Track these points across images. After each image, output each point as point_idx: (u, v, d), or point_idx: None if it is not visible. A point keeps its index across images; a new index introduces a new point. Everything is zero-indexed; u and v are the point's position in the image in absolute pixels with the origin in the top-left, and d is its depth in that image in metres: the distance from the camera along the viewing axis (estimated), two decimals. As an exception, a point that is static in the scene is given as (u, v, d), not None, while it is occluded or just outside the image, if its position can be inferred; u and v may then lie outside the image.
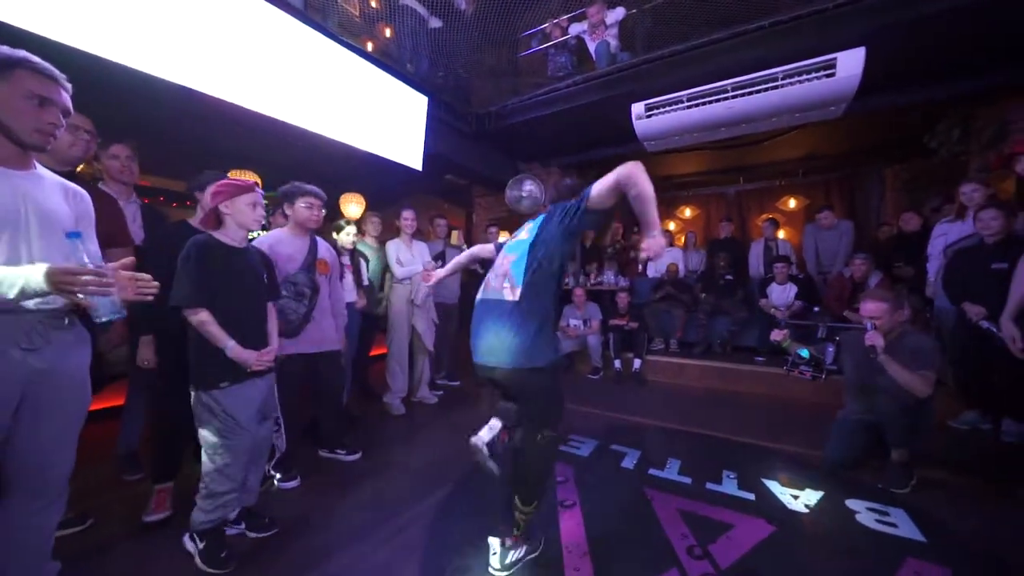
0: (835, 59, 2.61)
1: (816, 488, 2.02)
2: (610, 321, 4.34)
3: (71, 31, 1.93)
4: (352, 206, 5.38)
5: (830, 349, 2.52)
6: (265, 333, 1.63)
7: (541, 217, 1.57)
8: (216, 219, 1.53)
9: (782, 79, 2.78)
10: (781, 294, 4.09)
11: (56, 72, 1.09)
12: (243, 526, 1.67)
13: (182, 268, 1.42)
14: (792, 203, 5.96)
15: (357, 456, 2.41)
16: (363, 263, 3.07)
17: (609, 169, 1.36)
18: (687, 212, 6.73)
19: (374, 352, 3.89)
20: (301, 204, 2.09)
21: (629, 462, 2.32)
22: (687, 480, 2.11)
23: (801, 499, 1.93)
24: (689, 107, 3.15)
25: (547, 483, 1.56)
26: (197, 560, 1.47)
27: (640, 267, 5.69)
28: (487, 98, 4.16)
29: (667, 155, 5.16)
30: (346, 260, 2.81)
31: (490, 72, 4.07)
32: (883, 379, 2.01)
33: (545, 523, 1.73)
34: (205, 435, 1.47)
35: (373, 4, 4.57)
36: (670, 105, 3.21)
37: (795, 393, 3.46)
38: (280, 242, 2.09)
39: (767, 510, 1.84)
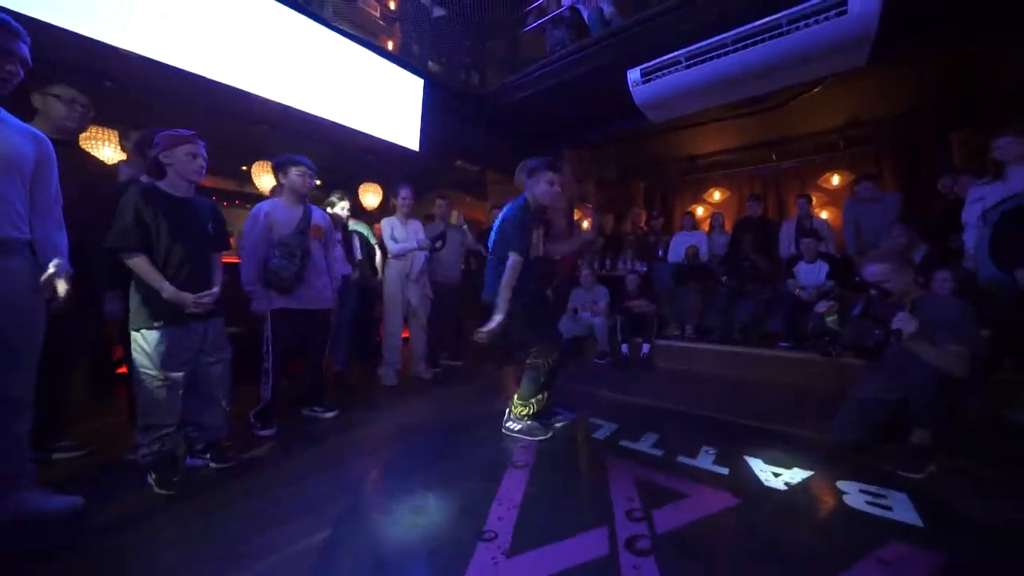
0: (846, -6, 2.31)
1: (806, 468, 1.78)
2: (623, 303, 4.15)
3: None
4: (370, 196, 5.63)
5: (877, 333, 2.14)
6: (210, 281, 1.74)
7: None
8: (158, 169, 1.63)
9: (786, 24, 2.51)
10: (810, 273, 3.69)
11: (14, 25, 1.24)
12: (208, 457, 1.81)
13: (119, 214, 1.53)
14: (835, 179, 5.35)
15: (334, 413, 2.51)
16: (355, 240, 3.19)
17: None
18: (716, 195, 6.29)
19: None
20: (295, 172, 2.30)
21: (602, 433, 2.20)
22: (657, 452, 1.96)
23: (783, 477, 1.71)
24: (689, 66, 2.93)
25: (536, 395, 2.16)
26: (153, 487, 1.59)
27: (660, 252, 5.41)
28: (490, 80, 4.17)
29: (688, 132, 4.88)
30: (338, 235, 2.95)
31: (491, 55, 4.06)
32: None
33: (490, 478, 1.68)
34: (136, 373, 1.58)
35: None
36: (668, 67, 3.02)
37: (813, 380, 3.10)
38: (276, 208, 2.32)
39: (737, 485, 1.65)
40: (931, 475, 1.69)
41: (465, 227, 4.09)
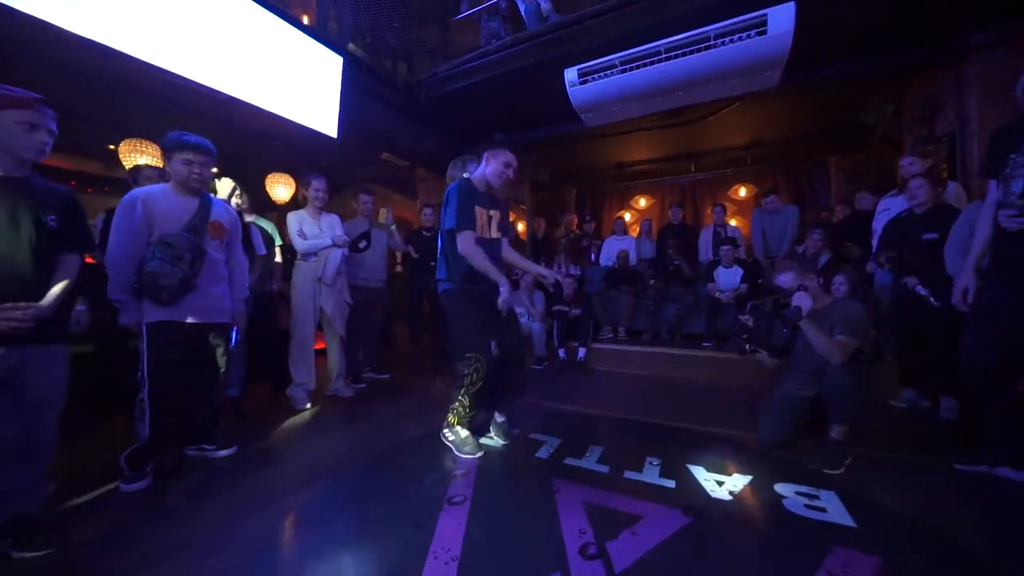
0: (765, 15, 2.46)
1: (745, 472, 1.79)
2: (554, 307, 4.09)
3: None
4: (280, 188, 4.94)
5: (784, 331, 2.31)
6: (41, 292, 1.26)
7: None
8: None
9: (714, 38, 2.61)
10: (727, 278, 3.96)
11: None
12: (8, 541, 1.27)
13: None
14: (743, 192, 5.94)
15: (231, 451, 2.03)
16: (255, 232, 2.68)
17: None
18: (642, 202, 6.63)
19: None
20: (178, 160, 1.78)
21: (545, 451, 2.04)
22: (604, 469, 1.84)
23: (726, 486, 1.68)
24: (624, 70, 2.94)
25: (465, 405, 2.04)
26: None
27: (592, 256, 5.51)
28: (420, 69, 3.85)
29: (614, 139, 5.03)
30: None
31: (420, 41, 3.76)
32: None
33: (423, 522, 1.42)
34: None
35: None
36: (604, 70, 3.00)
37: (739, 378, 3.30)
38: (158, 199, 1.78)
39: (686, 499, 1.58)
40: (848, 468, 1.79)
41: (393, 227, 3.72)
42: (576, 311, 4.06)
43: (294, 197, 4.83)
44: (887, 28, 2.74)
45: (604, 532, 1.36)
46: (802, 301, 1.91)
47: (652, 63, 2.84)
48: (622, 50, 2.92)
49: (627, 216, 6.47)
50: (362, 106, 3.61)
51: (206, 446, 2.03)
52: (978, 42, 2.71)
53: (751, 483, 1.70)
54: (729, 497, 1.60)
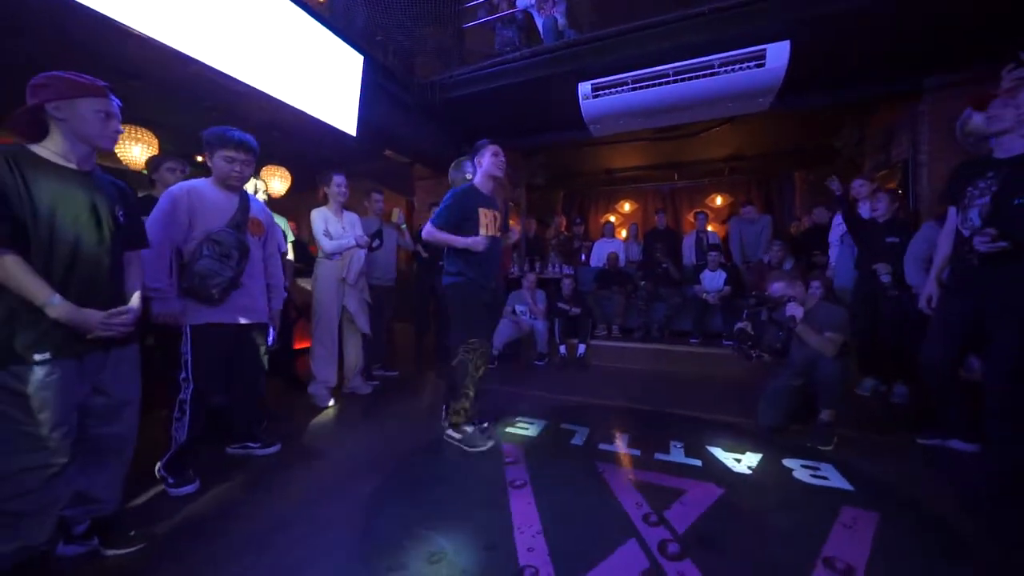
0: (764, 50, 2.77)
1: (755, 451, 2.08)
2: (557, 305, 4.30)
3: None
4: (276, 181, 4.80)
5: (780, 335, 2.62)
6: (119, 291, 1.27)
7: None
8: (35, 124, 1.12)
9: (718, 66, 2.91)
10: (712, 280, 4.34)
11: None
12: (95, 542, 1.29)
13: None
14: (719, 200, 6.43)
15: (274, 449, 2.06)
16: (278, 231, 2.66)
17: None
18: (626, 206, 6.99)
19: (300, 344, 3.47)
20: (220, 156, 1.76)
21: (579, 439, 2.24)
22: (636, 452, 2.07)
23: (744, 462, 1.96)
24: (634, 89, 3.18)
25: (464, 398, 2.14)
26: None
27: (583, 257, 5.78)
28: (432, 70, 3.90)
29: (607, 147, 5.30)
30: (278, 232, 2.42)
31: (434, 42, 3.81)
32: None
33: (496, 504, 1.57)
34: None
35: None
36: (616, 87, 3.22)
37: (725, 372, 3.66)
38: (203, 193, 1.76)
39: (715, 474, 1.84)
40: (836, 445, 2.13)
41: (403, 226, 3.78)
42: (576, 309, 4.28)
43: (290, 191, 4.71)
44: (859, 65, 3.16)
45: (658, 503, 1.58)
46: (795, 311, 2.26)
47: (661, 84, 3.09)
48: (632, 70, 3.15)
49: (612, 219, 6.80)
50: (374, 103, 3.63)
51: (251, 444, 2.05)
52: (930, 84, 3.19)
53: (762, 459, 1.99)
54: (749, 471, 1.87)
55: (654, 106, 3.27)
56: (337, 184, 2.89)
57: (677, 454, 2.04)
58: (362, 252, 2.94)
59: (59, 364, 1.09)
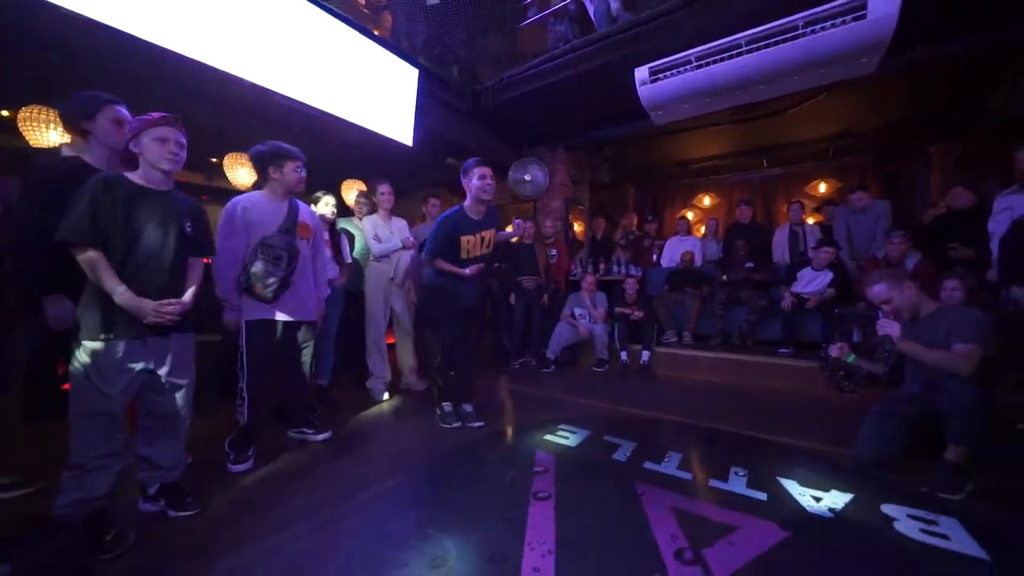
0: (866, -2, 2.27)
1: (844, 490, 1.68)
2: (616, 309, 4.04)
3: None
4: (354, 193, 5.31)
5: (887, 351, 2.09)
6: (178, 287, 1.48)
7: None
8: (130, 158, 1.40)
9: (803, 27, 2.45)
10: (813, 281, 3.67)
11: None
12: (163, 503, 1.52)
13: (76, 201, 1.29)
14: (822, 187, 5.46)
15: (326, 435, 2.25)
16: (344, 240, 2.92)
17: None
18: (706, 200, 6.32)
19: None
20: (290, 167, 2.01)
21: (622, 454, 2.04)
22: (686, 476, 1.81)
23: (824, 502, 1.60)
24: (699, 67, 2.84)
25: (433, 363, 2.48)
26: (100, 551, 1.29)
27: (654, 257, 5.35)
28: (485, 75, 3.97)
29: (680, 135, 4.84)
30: (324, 235, 2.67)
31: (488, 47, 3.87)
32: None
33: (513, 514, 1.49)
34: (71, 396, 1.31)
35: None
36: (677, 67, 2.92)
37: (823, 390, 3.05)
38: (254, 205, 2.00)
39: (781, 512, 1.52)
40: (971, 495, 1.62)
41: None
42: (638, 314, 3.97)
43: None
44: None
45: (698, 539, 1.35)
46: (890, 328, 1.81)
47: (731, 57, 2.72)
48: (695, 46, 2.82)
49: (690, 215, 6.20)
50: (430, 113, 3.80)
51: (306, 430, 2.25)
52: None
53: (853, 501, 1.60)
54: (829, 514, 1.52)
55: (725, 83, 2.88)
56: (382, 192, 3.09)
57: (737, 483, 1.74)
58: (407, 255, 3.08)
59: (123, 342, 1.34)
